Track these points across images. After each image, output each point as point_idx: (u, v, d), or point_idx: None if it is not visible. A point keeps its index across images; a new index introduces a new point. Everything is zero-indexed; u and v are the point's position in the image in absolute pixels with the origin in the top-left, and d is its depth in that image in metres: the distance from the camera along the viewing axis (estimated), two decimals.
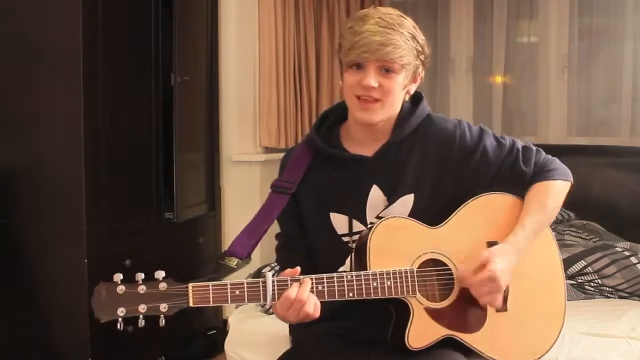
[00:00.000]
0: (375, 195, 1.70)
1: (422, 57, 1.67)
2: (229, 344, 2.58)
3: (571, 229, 3.29)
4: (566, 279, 2.81)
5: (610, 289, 2.79)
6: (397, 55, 1.60)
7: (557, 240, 3.11)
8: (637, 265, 2.83)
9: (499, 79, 4.26)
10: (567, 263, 2.86)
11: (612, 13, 4.00)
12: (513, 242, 1.62)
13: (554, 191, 1.71)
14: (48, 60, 2.80)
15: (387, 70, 1.61)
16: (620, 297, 2.78)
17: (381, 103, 1.64)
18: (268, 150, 3.84)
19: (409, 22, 1.65)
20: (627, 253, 2.89)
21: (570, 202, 3.43)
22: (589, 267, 2.83)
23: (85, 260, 2.76)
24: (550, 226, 3.41)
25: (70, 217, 2.79)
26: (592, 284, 2.81)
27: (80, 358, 2.76)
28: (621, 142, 3.87)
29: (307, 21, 3.92)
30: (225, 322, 2.92)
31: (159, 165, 3.23)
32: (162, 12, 3.20)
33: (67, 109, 2.78)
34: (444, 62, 4.37)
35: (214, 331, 3.56)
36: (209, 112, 3.68)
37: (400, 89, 1.65)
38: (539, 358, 1.69)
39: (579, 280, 2.82)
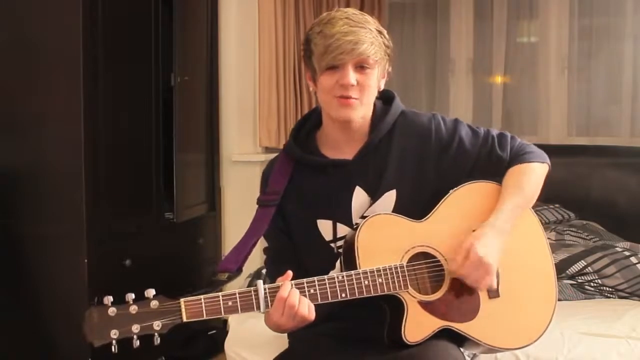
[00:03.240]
0: (360, 196, 1.71)
1: (388, 51, 1.70)
2: (229, 344, 2.58)
3: (571, 229, 3.28)
4: (566, 279, 2.84)
5: (610, 289, 2.79)
6: (372, 51, 1.63)
7: (557, 240, 3.14)
8: (637, 265, 2.83)
9: (499, 79, 4.25)
10: (567, 263, 2.86)
11: (612, 13, 3.99)
12: (493, 224, 1.63)
13: (531, 172, 1.72)
14: (48, 60, 2.80)
15: (362, 66, 1.64)
16: (620, 297, 2.78)
17: (359, 101, 1.66)
18: (268, 150, 3.84)
19: (371, 19, 1.69)
20: (627, 253, 2.89)
21: (570, 202, 3.49)
22: (589, 267, 2.83)
23: (85, 260, 2.76)
24: (550, 226, 3.41)
25: (71, 217, 2.79)
26: (592, 284, 2.81)
27: (80, 358, 2.75)
28: (621, 142, 3.87)
29: (307, 21, 3.91)
30: (225, 322, 2.91)
31: (159, 165, 3.22)
32: (162, 12, 3.20)
33: (67, 109, 2.78)
34: (444, 63, 4.36)
35: (214, 331, 3.55)
36: (209, 112, 3.68)
37: (375, 85, 1.69)
38: (534, 342, 1.70)
39: (579, 280, 2.82)
